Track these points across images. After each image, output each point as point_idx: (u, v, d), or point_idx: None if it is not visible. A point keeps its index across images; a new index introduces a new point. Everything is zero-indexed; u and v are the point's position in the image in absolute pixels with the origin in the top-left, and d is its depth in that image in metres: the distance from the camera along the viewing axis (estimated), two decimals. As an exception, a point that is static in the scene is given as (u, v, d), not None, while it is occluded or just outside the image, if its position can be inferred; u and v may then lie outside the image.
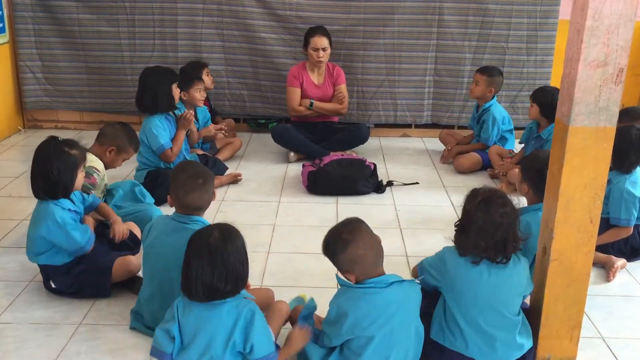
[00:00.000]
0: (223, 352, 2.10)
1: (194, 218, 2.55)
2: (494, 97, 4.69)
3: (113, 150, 3.40)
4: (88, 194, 3.08)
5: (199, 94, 4.43)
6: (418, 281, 2.35)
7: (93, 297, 2.85)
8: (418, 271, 2.48)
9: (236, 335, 2.10)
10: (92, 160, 3.27)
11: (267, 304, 2.48)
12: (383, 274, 2.19)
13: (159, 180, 3.87)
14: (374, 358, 2.13)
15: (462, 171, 4.69)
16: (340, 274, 2.23)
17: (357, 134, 4.92)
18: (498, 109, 4.69)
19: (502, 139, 4.71)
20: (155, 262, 2.56)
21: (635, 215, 3.20)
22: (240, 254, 2.14)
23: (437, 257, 2.41)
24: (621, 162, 3.14)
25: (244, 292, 2.20)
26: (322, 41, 4.77)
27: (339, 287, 2.25)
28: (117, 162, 3.47)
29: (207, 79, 4.83)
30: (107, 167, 3.42)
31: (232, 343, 2.10)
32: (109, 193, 3.49)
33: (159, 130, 3.92)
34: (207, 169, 2.76)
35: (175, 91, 4.00)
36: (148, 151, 3.98)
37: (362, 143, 4.98)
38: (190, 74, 4.56)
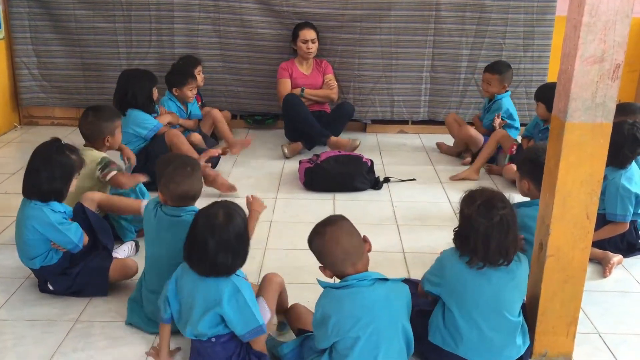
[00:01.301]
0: (199, 320, 2.19)
1: (187, 209, 2.54)
2: (507, 90, 4.71)
3: (108, 138, 3.39)
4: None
5: (190, 92, 4.64)
6: (424, 293, 2.36)
7: (90, 296, 2.84)
8: (421, 285, 2.42)
9: (218, 308, 2.17)
10: (98, 155, 3.30)
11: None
12: (365, 270, 2.14)
13: (151, 156, 3.94)
14: (361, 359, 2.08)
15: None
16: (320, 276, 2.21)
17: (341, 110, 5.06)
18: (508, 102, 4.69)
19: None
20: (160, 257, 2.55)
21: (632, 211, 3.21)
22: (240, 232, 2.21)
23: (436, 263, 2.37)
24: (616, 157, 3.13)
25: (240, 272, 2.28)
26: (310, 33, 5.03)
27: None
28: (118, 140, 3.49)
29: (198, 77, 4.85)
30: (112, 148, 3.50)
31: (211, 314, 2.17)
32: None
33: (146, 115, 4.07)
34: (192, 157, 2.75)
35: (155, 94, 4.17)
36: (132, 140, 4.00)
37: (350, 117, 5.14)
38: (185, 71, 4.66)
